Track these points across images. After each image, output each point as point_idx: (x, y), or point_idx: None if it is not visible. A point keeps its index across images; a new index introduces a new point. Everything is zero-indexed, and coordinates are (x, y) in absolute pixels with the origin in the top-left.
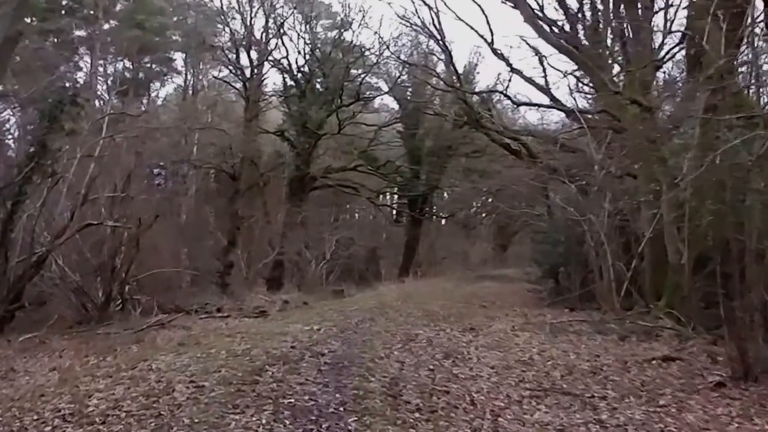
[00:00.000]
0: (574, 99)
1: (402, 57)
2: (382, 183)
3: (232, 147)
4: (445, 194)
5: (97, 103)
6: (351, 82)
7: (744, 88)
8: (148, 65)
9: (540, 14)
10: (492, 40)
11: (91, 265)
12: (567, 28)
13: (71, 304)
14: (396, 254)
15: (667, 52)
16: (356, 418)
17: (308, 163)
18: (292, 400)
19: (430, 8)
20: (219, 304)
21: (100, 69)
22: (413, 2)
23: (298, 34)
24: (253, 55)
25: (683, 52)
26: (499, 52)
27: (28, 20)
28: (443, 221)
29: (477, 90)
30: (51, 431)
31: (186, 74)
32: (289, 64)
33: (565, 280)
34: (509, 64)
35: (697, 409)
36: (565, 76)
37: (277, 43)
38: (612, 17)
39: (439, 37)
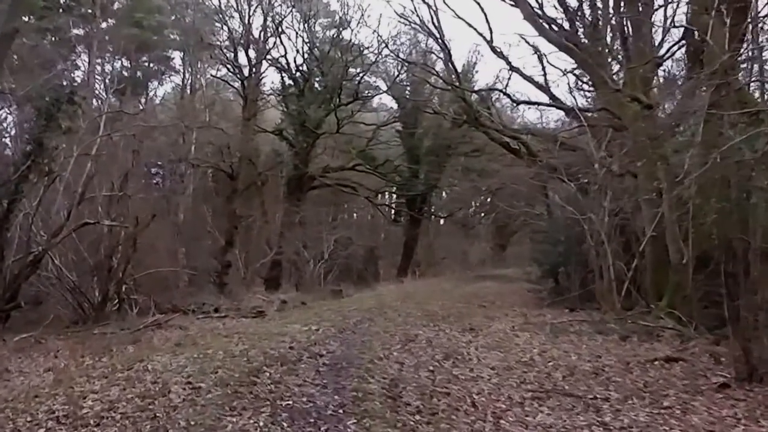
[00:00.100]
0: (574, 97)
1: (401, 56)
2: (380, 182)
3: (230, 146)
4: (444, 193)
5: (94, 101)
6: (349, 81)
7: (747, 84)
8: (146, 64)
9: (539, 12)
10: (491, 38)
11: (87, 264)
12: (566, 26)
13: (68, 303)
14: (394, 254)
15: (668, 50)
16: (355, 421)
17: (306, 163)
18: (290, 402)
19: (429, 6)
20: (216, 304)
21: (98, 67)
22: (412, 0)
23: (297, 33)
24: (252, 53)
25: (683, 50)
26: (498, 50)
27: (26, 18)
28: (442, 221)
29: (476, 88)
30: None
31: (184, 73)
32: (288, 63)
33: (564, 279)
34: (508, 63)
35: (702, 410)
36: (564, 74)
37: (275, 42)
38: (612, 14)
39: (438, 35)
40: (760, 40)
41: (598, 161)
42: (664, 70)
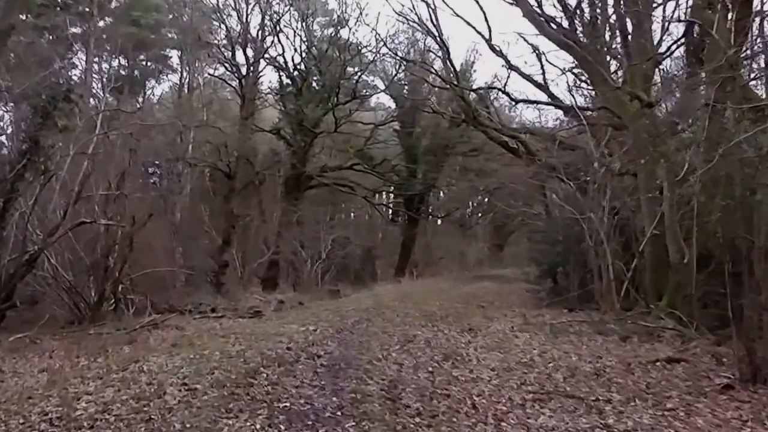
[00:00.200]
0: (573, 96)
1: (399, 54)
2: (378, 182)
3: (228, 145)
4: (442, 193)
5: (92, 100)
6: (347, 80)
7: (751, 80)
8: (144, 62)
9: (538, 11)
10: (490, 36)
11: (84, 264)
12: (565, 24)
13: (63, 303)
14: (392, 254)
15: (668, 48)
16: (354, 423)
17: (304, 162)
18: (288, 404)
19: (427, 4)
20: (213, 303)
21: (95, 66)
22: None
23: (295, 32)
24: (249, 52)
25: (682, 49)
26: (497, 48)
27: (23, 17)
28: (439, 221)
29: (474, 87)
30: None
31: (181, 72)
32: (285, 62)
33: (563, 279)
34: (507, 61)
35: (706, 412)
36: (563, 72)
37: (273, 41)
38: (614, 11)
39: (436, 33)
40: (766, 34)
41: (598, 160)
42: (662, 69)
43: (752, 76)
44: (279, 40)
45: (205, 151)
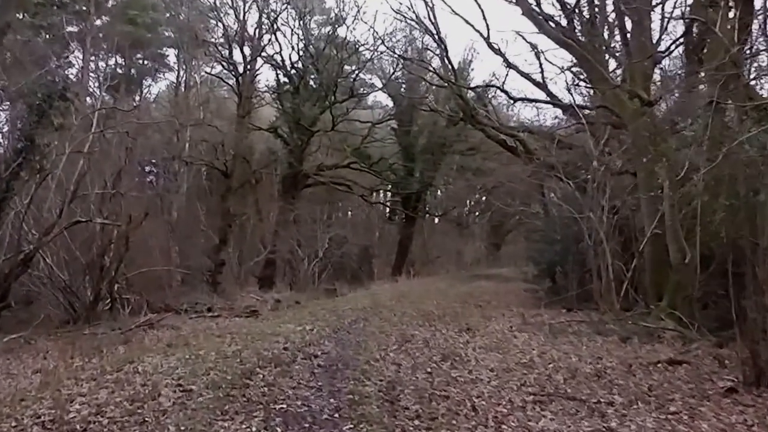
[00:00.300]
0: (571, 95)
1: (396, 52)
2: (375, 180)
3: (225, 144)
4: (439, 192)
5: (88, 99)
6: (345, 78)
7: (754, 78)
8: (141, 61)
9: (537, 9)
10: (488, 34)
11: (79, 263)
12: (564, 23)
13: (59, 303)
14: (389, 253)
15: (667, 48)
16: (352, 426)
17: (301, 161)
18: (284, 406)
19: (425, 2)
20: (210, 303)
21: (92, 65)
22: None
23: (292, 30)
24: (246, 51)
25: (681, 48)
26: (495, 46)
27: (20, 16)
28: (437, 219)
29: (472, 85)
30: None
31: (178, 70)
32: (283, 60)
33: (562, 279)
34: (505, 59)
35: (710, 416)
36: (562, 71)
37: (270, 39)
38: (613, 9)
39: (434, 32)
40: None
41: (597, 159)
42: (660, 68)
43: (753, 75)
44: (276, 39)
45: (201, 150)
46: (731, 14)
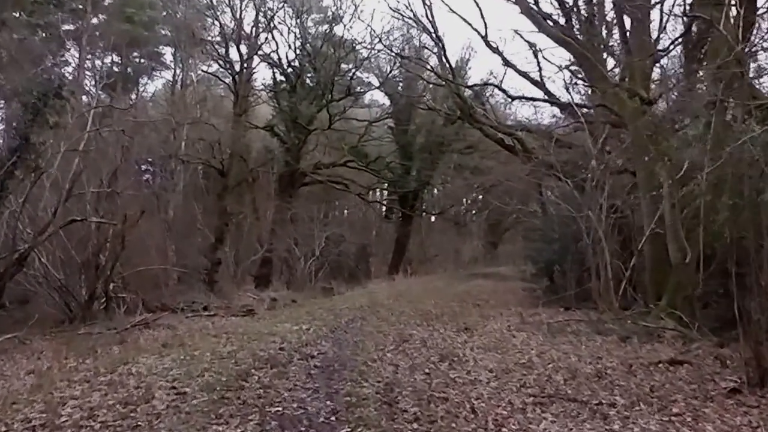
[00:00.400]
0: (570, 93)
1: (394, 51)
2: (372, 179)
3: (221, 142)
4: (436, 190)
5: (84, 97)
6: (342, 76)
7: (756, 78)
8: (137, 59)
9: (535, 8)
10: (486, 33)
11: (75, 262)
12: (562, 21)
13: (54, 302)
14: (386, 251)
15: (666, 48)
16: (349, 429)
17: (298, 159)
18: (280, 409)
19: (423, 1)
20: (206, 302)
21: (88, 63)
22: None
23: (289, 28)
24: (243, 49)
25: (678, 48)
26: (493, 45)
27: (16, 14)
28: (434, 218)
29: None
30: None
31: (175, 69)
32: (279, 59)
33: (560, 278)
34: (503, 58)
35: (714, 418)
36: (560, 70)
37: (267, 38)
38: (612, 8)
39: (431, 30)
40: None
41: (596, 157)
42: (659, 67)
43: (753, 74)
44: (273, 37)
45: (198, 149)
46: (735, 12)
